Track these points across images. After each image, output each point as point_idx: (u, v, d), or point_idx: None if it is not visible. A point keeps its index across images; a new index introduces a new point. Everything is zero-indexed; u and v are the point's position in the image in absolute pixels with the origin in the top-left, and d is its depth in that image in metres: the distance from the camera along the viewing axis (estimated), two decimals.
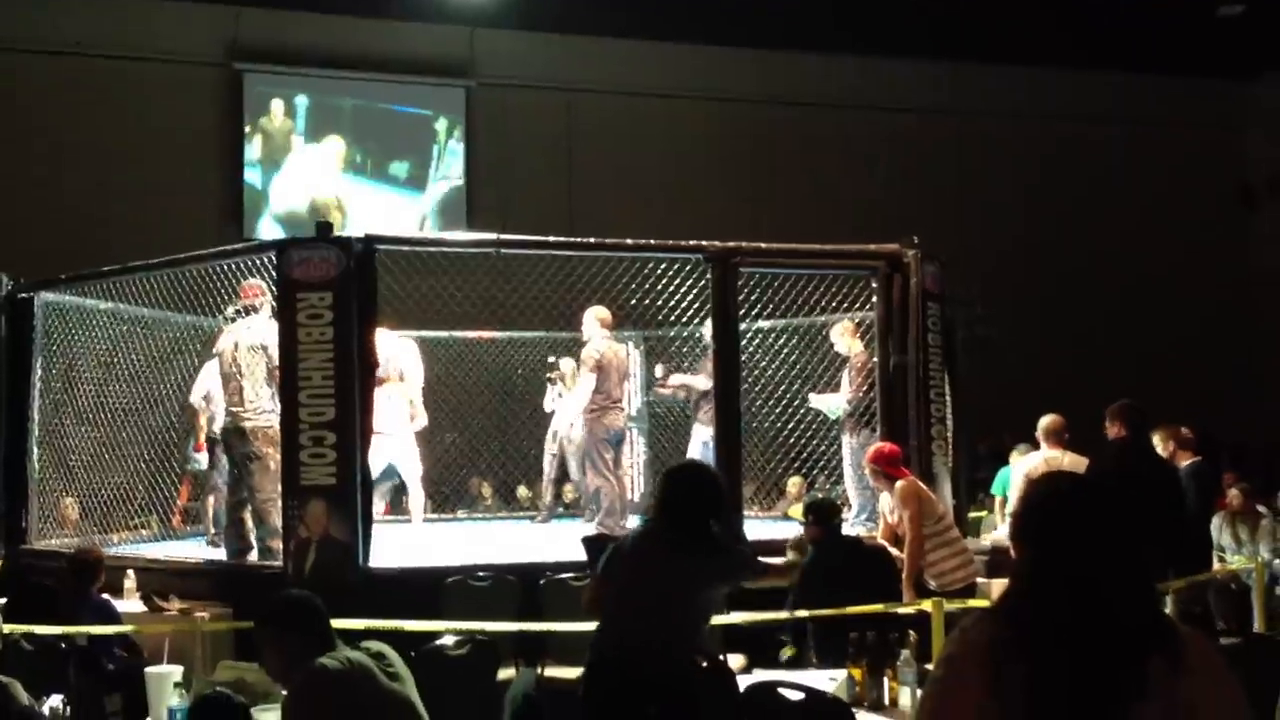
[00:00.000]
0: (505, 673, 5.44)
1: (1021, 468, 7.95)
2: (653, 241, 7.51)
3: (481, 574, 6.59)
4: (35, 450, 8.15)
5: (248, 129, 13.00)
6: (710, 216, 12.33)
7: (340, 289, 6.74)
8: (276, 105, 13.05)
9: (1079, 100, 14.39)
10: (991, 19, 12.63)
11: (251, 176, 13.04)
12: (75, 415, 8.38)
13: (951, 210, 13.54)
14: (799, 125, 13.86)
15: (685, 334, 9.25)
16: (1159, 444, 6.96)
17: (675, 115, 13.73)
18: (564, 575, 6.61)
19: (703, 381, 8.57)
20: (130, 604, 6.95)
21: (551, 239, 7.55)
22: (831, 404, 8.51)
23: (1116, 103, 14.45)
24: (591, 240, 7.54)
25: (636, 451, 10.38)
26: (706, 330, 7.68)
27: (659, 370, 9.70)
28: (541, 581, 6.59)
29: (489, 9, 12.73)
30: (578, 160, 13.50)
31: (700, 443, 8.72)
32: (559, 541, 8.10)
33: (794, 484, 9.79)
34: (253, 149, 13.06)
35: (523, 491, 11.35)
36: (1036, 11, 12.64)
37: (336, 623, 4.80)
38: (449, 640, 4.86)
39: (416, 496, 8.76)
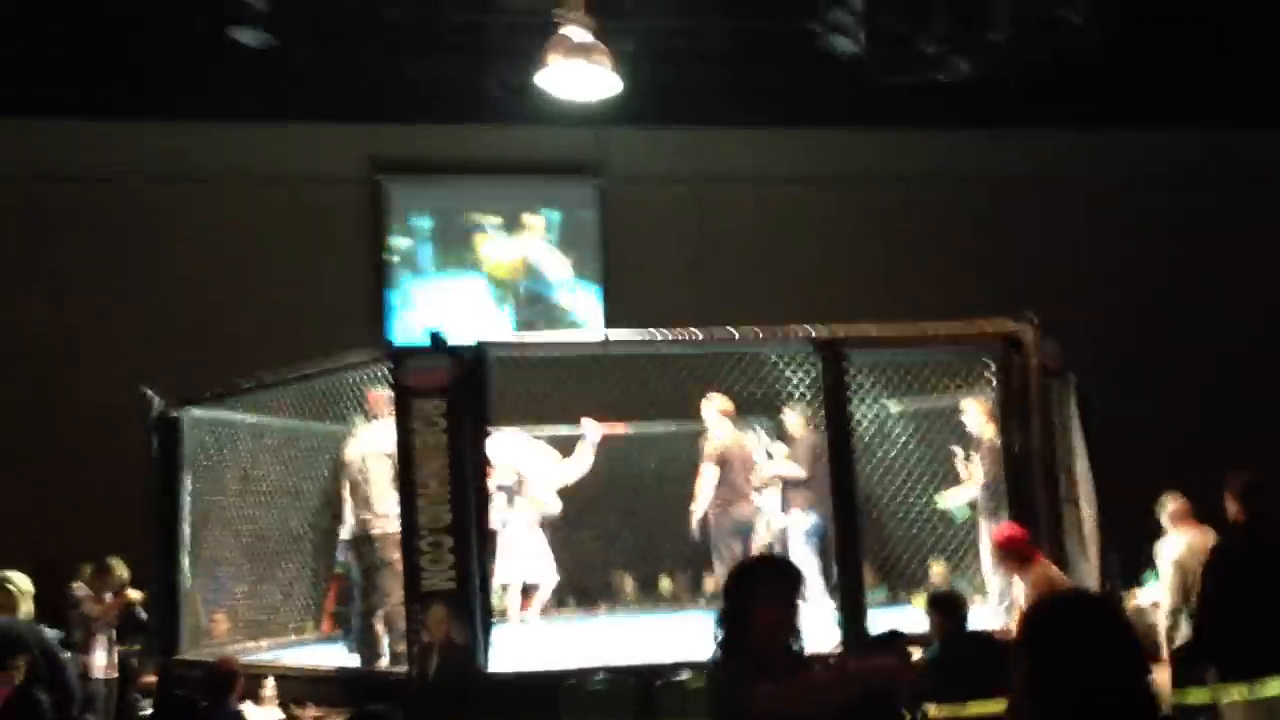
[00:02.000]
0: None
1: (1168, 555, 7.55)
2: (759, 332, 7.47)
3: (599, 676, 6.57)
4: (186, 563, 8.54)
5: (387, 240, 13.54)
6: (841, 300, 12.20)
7: (453, 395, 6.91)
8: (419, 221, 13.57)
9: (1199, 161, 13.77)
10: (1118, 84, 12.30)
11: (393, 285, 13.52)
12: (223, 526, 8.79)
13: (1069, 281, 13.05)
14: (925, 201, 13.65)
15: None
16: None
17: (801, 200, 13.70)
18: (681, 676, 6.53)
19: (792, 469, 8.42)
20: (268, 712, 7.17)
21: (658, 335, 7.59)
22: (959, 498, 8.25)
23: (1243, 159, 13.74)
24: (698, 334, 7.54)
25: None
26: (788, 417, 7.60)
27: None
28: (658, 683, 6.53)
29: (612, 109, 13.02)
30: (707, 251, 13.57)
31: (801, 533, 8.48)
32: (689, 639, 8.00)
33: (937, 570, 9.47)
34: (395, 257, 13.57)
35: (665, 584, 11.30)
36: (1158, 77, 12.27)
37: None
38: None
39: (542, 593, 8.82)
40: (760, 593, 3.26)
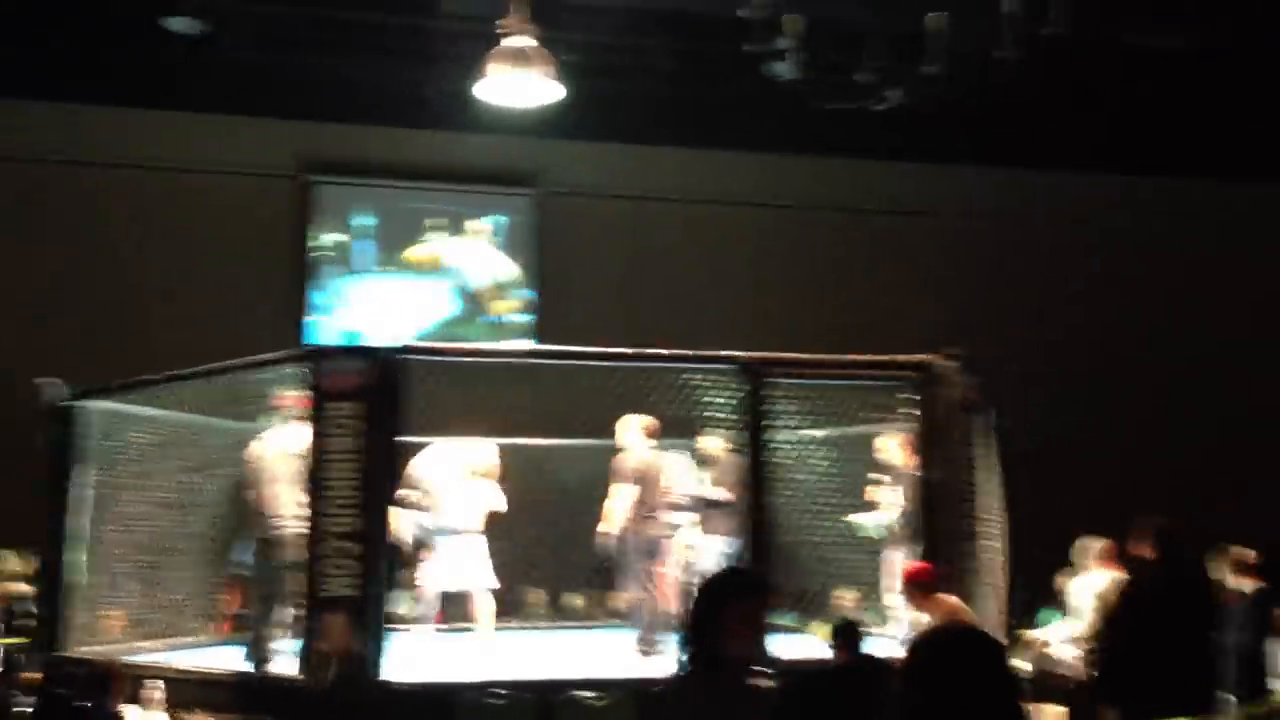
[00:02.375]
0: None
1: (1090, 590, 7.63)
2: (687, 352, 7.45)
3: (497, 691, 6.44)
4: (79, 558, 8.25)
5: (314, 239, 13.31)
6: (772, 325, 12.25)
7: (368, 399, 6.77)
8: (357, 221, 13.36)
9: (1131, 203, 14.09)
10: (1029, 123, 12.56)
11: (317, 285, 13.29)
12: (120, 522, 8.51)
13: (999, 317, 13.25)
14: (861, 230, 13.77)
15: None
16: (1216, 568, 6.60)
17: (737, 222, 13.74)
18: (583, 694, 6.43)
19: (719, 493, 8.38)
20: (153, 716, 6.93)
21: (585, 349, 7.56)
22: (874, 520, 8.27)
23: (1167, 204, 14.08)
24: (626, 350, 7.52)
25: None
26: (707, 441, 7.59)
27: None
28: (558, 699, 6.42)
29: (554, 121, 12.98)
30: (641, 268, 13.55)
31: (717, 554, 8.42)
32: (594, 656, 7.93)
33: (848, 597, 9.46)
34: (318, 257, 13.33)
35: (575, 600, 11.18)
36: (1106, 121, 12.55)
37: None
38: None
39: (485, 603, 8.58)
40: (735, 604, 3.20)
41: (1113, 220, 14.14)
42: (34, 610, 8.11)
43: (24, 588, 8.11)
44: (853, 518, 8.24)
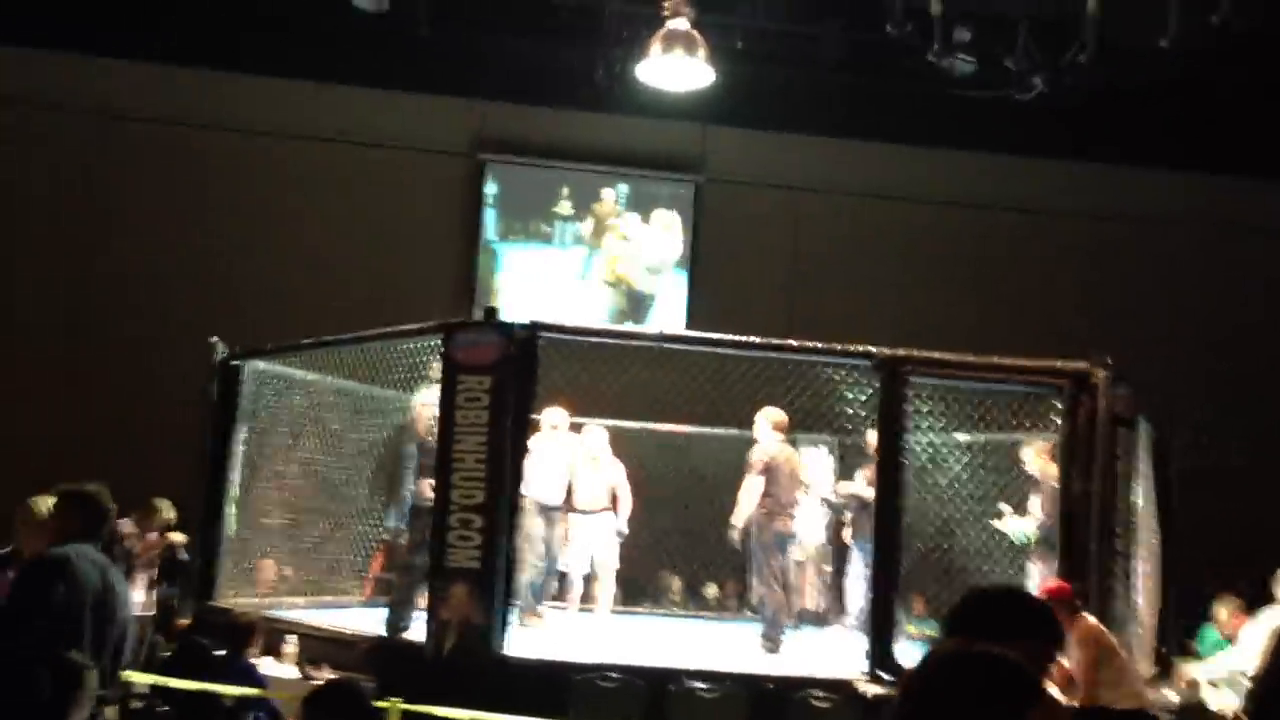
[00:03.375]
0: None
1: (1268, 622, 7.10)
2: (819, 345, 7.26)
3: (611, 674, 6.43)
4: (232, 511, 8.61)
5: (486, 216, 13.57)
6: (930, 322, 11.89)
7: (499, 372, 6.83)
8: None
9: None
10: (1234, 129, 11.75)
11: (486, 260, 13.53)
12: (274, 479, 8.85)
13: (1180, 329, 12.52)
14: (1030, 231, 13.22)
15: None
16: None
17: (901, 217, 13.37)
18: (697, 684, 6.37)
19: (869, 491, 8.16)
20: (285, 669, 7.20)
21: (715, 336, 7.44)
22: (1021, 528, 7.93)
23: None
24: (756, 340, 7.36)
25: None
26: (870, 436, 7.34)
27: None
28: (671, 688, 6.37)
29: (720, 107, 12.90)
30: (801, 259, 13.34)
31: (862, 563, 8.22)
32: (717, 647, 7.84)
33: None
34: (487, 232, 13.57)
35: (711, 590, 11.11)
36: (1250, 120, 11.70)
37: (449, 711, 4.82)
38: None
39: (607, 587, 8.69)
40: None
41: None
42: (186, 559, 8.47)
43: (179, 537, 8.50)
44: (1000, 522, 7.90)
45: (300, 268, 12.64)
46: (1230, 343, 12.77)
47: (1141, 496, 7.16)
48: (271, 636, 7.38)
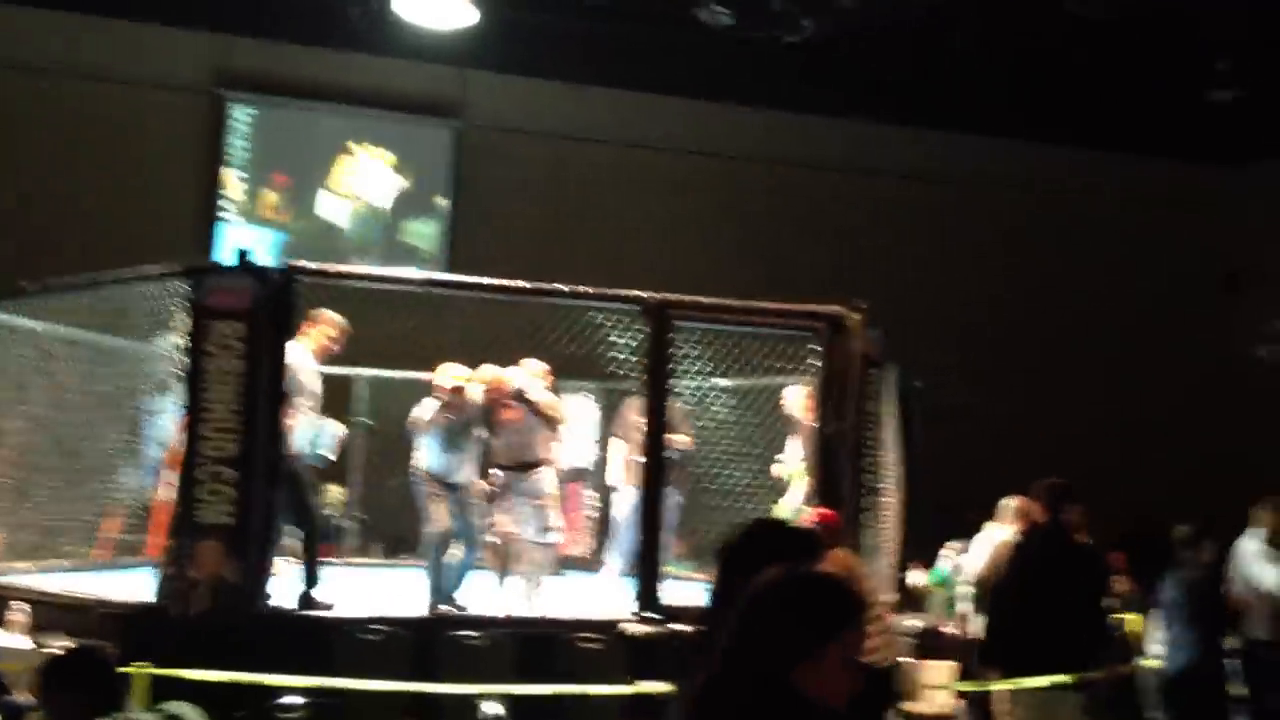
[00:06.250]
0: None
1: (988, 543, 7.60)
2: (590, 289, 7.24)
3: (374, 627, 6.26)
4: None
5: (227, 155, 12.85)
6: (690, 271, 12.05)
7: (254, 319, 6.49)
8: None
9: (1066, 175, 14.12)
10: (978, 89, 12.41)
11: (227, 203, 12.84)
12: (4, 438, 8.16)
13: (924, 280, 13.26)
14: (787, 183, 13.62)
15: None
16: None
17: (663, 168, 13.51)
18: (463, 633, 6.29)
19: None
20: (14, 639, 6.67)
21: (482, 281, 7.30)
22: (779, 471, 8.18)
23: (1105, 180, 14.15)
24: (525, 285, 7.27)
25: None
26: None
27: None
28: (437, 637, 6.27)
29: (481, 51, 12.66)
30: (560, 208, 13.29)
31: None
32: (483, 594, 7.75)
33: None
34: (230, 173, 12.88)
35: None
36: (1026, 84, 12.42)
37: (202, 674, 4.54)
38: (292, 699, 4.55)
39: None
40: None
41: (1050, 189, 14.15)
42: None
43: None
44: (775, 466, 8.08)
45: (31, 210, 11.68)
46: (971, 293, 13.61)
47: (889, 435, 7.49)
48: None
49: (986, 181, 13.93)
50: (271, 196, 13.10)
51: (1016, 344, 13.60)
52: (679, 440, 7.78)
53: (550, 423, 7.36)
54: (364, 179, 13.36)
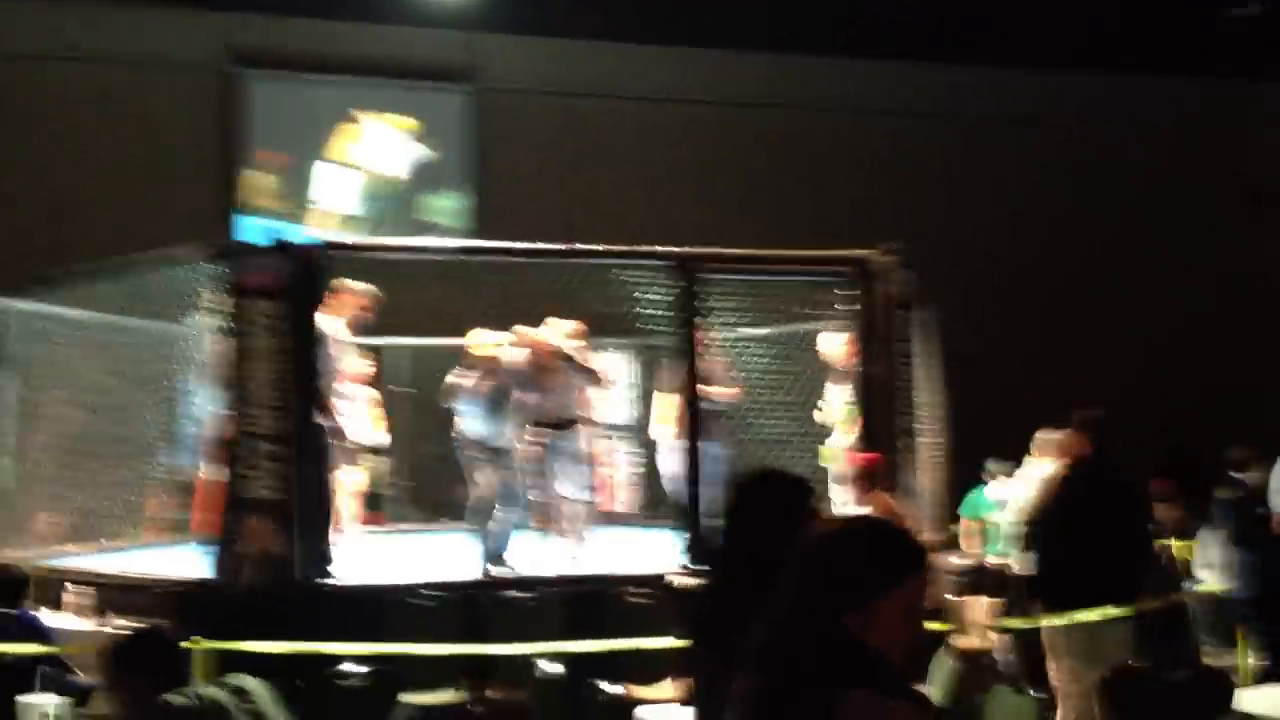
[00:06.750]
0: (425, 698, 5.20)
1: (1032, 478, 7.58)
2: (618, 248, 7.24)
3: (423, 593, 6.34)
4: (6, 461, 8.01)
5: (245, 131, 12.84)
6: (714, 223, 12.01)
7: (289, 297, 6.53)
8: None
9: (1081, 101, 13.96)
10: (988, 20, 12.26)
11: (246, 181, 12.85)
12: (49, 425, 8.25)
13: (944, 216, 13.17)
14: (805, 129, 13.52)
15: None
16: None
17: (675, 119, 13.43)
18: (513, 593, 6.36)
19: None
20: (68, 619, 6.78)
21: (514, 245, 7.31)
22: (831, 414, 8.17)
23: (1122, 103, 13.98)
24: (557, 247, 7.28)
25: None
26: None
27: None
28: (485, 600, 6.35)
29: (487, 13, 12.61)
30: (577, 165, 13.24)
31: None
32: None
33: None
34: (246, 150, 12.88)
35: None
36: (1035, 10, 12.25)
37: (260, 645, 4.62)
38: (350, 667, 4.62)
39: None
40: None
41: (1063, 120, 14.01)
42: None
43: None
44: (818, 415, 8.07)
45: (49, 196, 11.72)
46: (994, 224, 13.53)
47: (924, 376, 7.48)
48: (52, 587, 6.95)
49: (1000, 116, 13.82)
50: (278, 174, 13.10)
51: (1038, 273, 13.53)
52: (722, 392, 7.76)
53: (595, 380, 7.41)
54: (374, 149, 13.31)
